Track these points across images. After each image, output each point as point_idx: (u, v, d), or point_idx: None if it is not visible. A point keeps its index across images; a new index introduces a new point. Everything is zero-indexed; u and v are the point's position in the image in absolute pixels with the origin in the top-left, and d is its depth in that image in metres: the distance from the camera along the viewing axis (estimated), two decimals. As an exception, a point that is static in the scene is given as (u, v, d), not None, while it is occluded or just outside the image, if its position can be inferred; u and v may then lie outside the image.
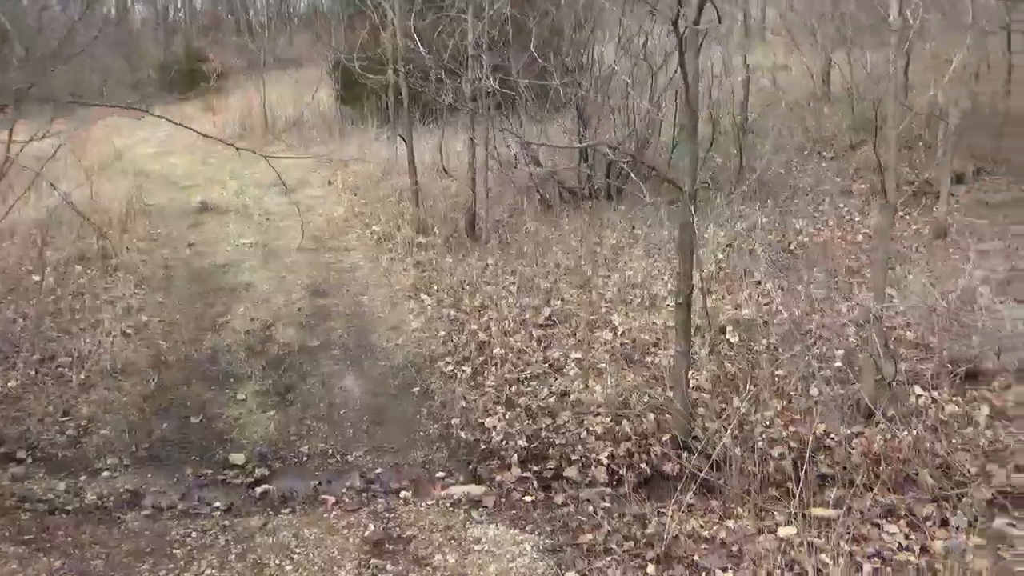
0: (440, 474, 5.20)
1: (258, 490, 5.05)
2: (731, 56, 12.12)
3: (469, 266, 8.53)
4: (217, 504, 4.87)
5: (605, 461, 5.15)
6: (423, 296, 7.89)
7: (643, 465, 5.13)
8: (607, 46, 11.00)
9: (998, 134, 11.03)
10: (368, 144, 13.96)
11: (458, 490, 4.86)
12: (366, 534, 4.35)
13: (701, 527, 4.22)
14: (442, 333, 7.08)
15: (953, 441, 5.08)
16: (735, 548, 3.98)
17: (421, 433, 5.72)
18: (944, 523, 4.34)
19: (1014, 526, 4.27)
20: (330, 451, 5.55)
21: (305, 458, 5.49)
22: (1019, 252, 7.98)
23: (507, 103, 10.25)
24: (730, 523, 4.21)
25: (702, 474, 4.54)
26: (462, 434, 5.60)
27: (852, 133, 12.05)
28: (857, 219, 9.57)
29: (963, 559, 3.90)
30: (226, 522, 4.56)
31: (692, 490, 4.44)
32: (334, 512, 4.66)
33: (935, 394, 5.54)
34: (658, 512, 4.38)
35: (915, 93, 10.86)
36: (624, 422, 5.50)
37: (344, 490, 5.00)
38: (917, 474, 4.76)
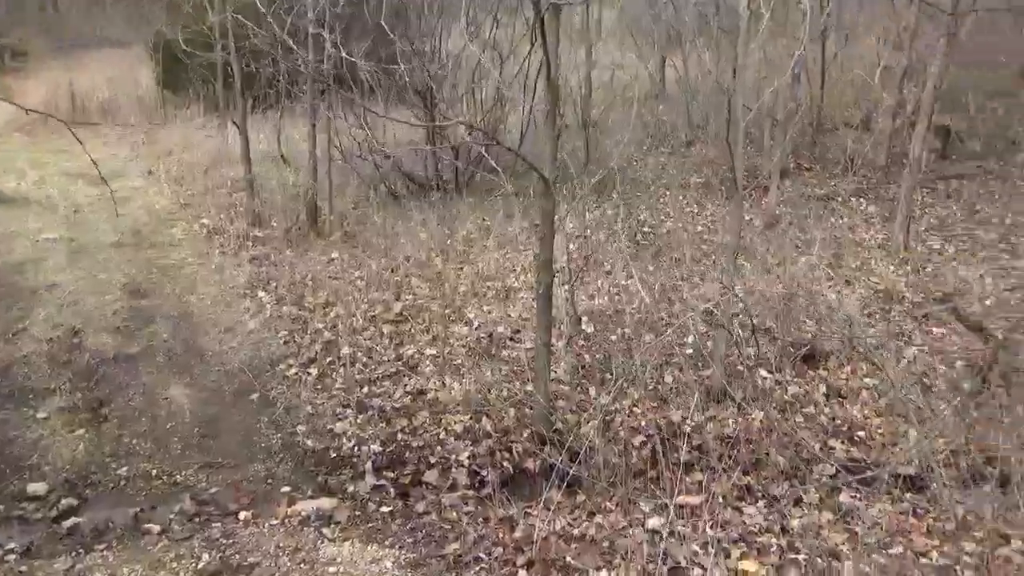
0: (285, 489, 4.69)
1: (65, 524, 4.30)
2: (574, 51, 12.25)
3: (312, 261, 7.96)
4: (12, 546, 4.09)
5: (466, 462, 4.88)
6: (260, 294, 7.25)
7: (506, 463, 4.92)
8: (454, 32, 10.74)
9: (814, 132, 11.96)
10: (193, 132, 12.85)
11: (306, 506, 4.39)
12: (200, 566, 3.80)
13: (570, 524, 4.05)
14: (283, 333, 6.52)
15: (798, 420, 5.28)
16: (606, 544, 3.84)
17: (262, 444, 5.17)
18: (798, 501, 4.45)
19: (858, 499, 4.46)
20: (154, 472, 4.86)
21: (124, 482, 4.77)
22: (839, 240, 8.60)
23: (350, 88, 9.71)
24: (599, 518, 4.08)
25: (567, 469, 4.38)
26: (309, 442, 5.12)
27: (688, 130, 12.58)
28: (696, 211, 9.95)
29: (819, 535, 4.00)
30: (23, 567, 3.83)
31: (558, 486, 4.28)
32: (160, 543, 4.05)
33: (779, 376, 5.75)
34: (525, 513, 4.18)
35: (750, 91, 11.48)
36: (484, 419, 5.26)
37: (172, 516, 4.37)
38: (768, 455, 4.88)
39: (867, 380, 5.78)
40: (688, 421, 5.25)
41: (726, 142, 4.74)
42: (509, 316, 6.67)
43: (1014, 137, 11.72)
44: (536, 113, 8.76)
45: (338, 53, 5.97)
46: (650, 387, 5.66)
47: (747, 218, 9.72)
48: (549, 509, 4.08)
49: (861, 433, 5.19)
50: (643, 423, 5.22)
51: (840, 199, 10.26)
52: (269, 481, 4.80)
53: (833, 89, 12.30)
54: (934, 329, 6.58)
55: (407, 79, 9.15)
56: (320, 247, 8.38)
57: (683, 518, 4.00)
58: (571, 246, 8.07)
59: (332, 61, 7.98)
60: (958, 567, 3.68)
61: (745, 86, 5.37)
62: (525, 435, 5.07)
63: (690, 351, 6.13)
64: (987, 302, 7.30)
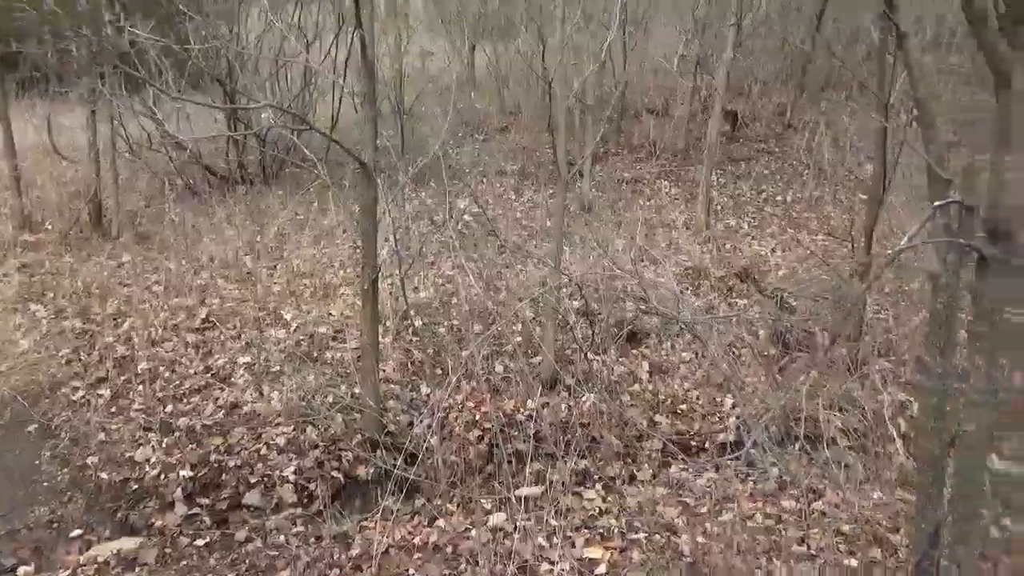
0: (76, 532, 4.05)
1: None
2: (382, 38, 11.86)
3: (98, 266, 7.06)
4: None
5: (291, 478, 4.49)
6: (34, 307, 6.30)
7: (336, 474, 4.59)
8: (254, 14, 9.98)
9: (619, 119, 12.46)
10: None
11: (104, 549, 3.80)
12: (-34, 641, 3.16)
13: (411, 533, 3.82)
14: (66, 351, 5.69)
15: (625, 400, 5.40)
16: (450, 550, 3.66)
17: (45, 483, 4.45)
18: (632, 479, 4.53)
19: (687, 471, 4.62)
20: (-98, 532, 4.03)
21: None
22: (650, 222, 8.99)
23: (136, 71, 8.71)
24: (441, 522, 3.89)
25: (402, 472, 4.14)
26: (104, 475, 4.48)
27: (501, 116, 12.64)
28: (514, 197, 10.01)
29: (655, 511, 4.08)
30: None
31: (395, 493, 4.03)
32: (-89, 619, 3.34)
33: (605, 358, 5.86)
34: (361, 527, 3.89)
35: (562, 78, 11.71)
36: (309, 429, 4.88)
37: (-72, 583, 3.63)
38: (602, 436, 4.94)
39: (684, 354, 6.04)
40: (522, 410, 5.21)
41: (548, 128, 4.67)
42: (330, 315, 6.28)
43: (790, 121, 12.92)
44: (349, 99, 8.33)
45: (118, 32, 5.26)
46: (483, 379, 5.55)
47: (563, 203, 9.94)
48: (387, 519, 3.83)
49: (683, 407, 5.40)
50: (478, 417, 5.09)
51: (647, 182, 10.77)
52: (55, 525, 4.12)
53: (635, 77, 12.87)
54: (739, 301, 7.03)
55: (203, 63, 8.36)
56: (107, 250, 7.46)
57: (526, 511, 3.91)
58: (393, 237, 7.81)
59: (111, 40, 7.09)
60: (780, 526, 3.89)
61: (562, 74, 5.37)
62: (355, 441, 4.76)
63: (519, 339, 6.09)
64: (780, 273, 7.94)
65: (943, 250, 1.92)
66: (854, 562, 3.44)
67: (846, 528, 3.69)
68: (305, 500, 4.34)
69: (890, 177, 5.35)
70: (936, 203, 1.74)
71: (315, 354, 5.75)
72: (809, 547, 3.62)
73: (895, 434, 4.60)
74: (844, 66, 12.21)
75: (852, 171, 10.70)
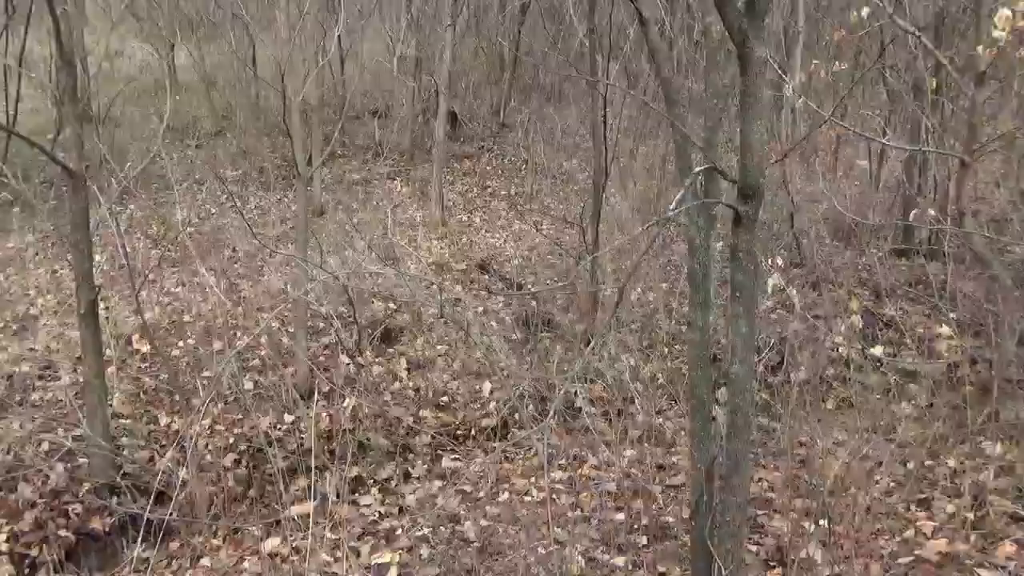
0: None
1: None
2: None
3: None
4: None
5: (4, 548, 3.74)
6: None
7: (64, 532, 3.91)
8: None
9: (342, 120, 12.23)
10: None
11: None
12: None
13: (172, 580, 3.39)
14: None
15: (387, 399, 5.32)
16: (223, 588, 3.31)
17: None
18: (407, 477, 4.48)
19: (459, 460, 4.68)
20: None
21: None
22: (387, 221, 8.93)
23: None
24: (206, 560, 3.50)
25: (152, 515, 3.66)
26: None
27: (213, 119, 11.76)
28: (239, 204, 9.36)
29: (435, 504, 4.06)
30: None
31: (145, 540, 3.55)
32: None
33: (362, 360, 5.71)
34: (108, 586, 3.37)
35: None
36: (21, 486, 4.10)
37: None
38: (369, 439, 4.81)
39: (439, 347, 6.11)
40: (280, 426, 4.89)
41: (284, 127, 4.42)
42: (33, 351, 5.35)
43: (505, 120, 13.68)
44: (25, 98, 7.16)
45: None
46: (230, 399, 5.11)
47: (293, 207, 9.52)
48: (140, 571, 3.36)
49: (445, 398, 5.45)
50: (232, 439, 4.67)
51: (377, 183, 10.71)
52: None
53: (354, 79, 12.72)
54: (482, 292, 7.28)
55: None
56: None
57: (303, 530, 3.67)
58: (102, 255, 6.89)
59: None
60: (553, 496, 4.09)
61: (286, 72, 5.08)
62: (86, 489, 4.10)
63: (264, 352, 5.71)
64: (515, 262, 8.38)
65: (694, 214, 2.13)
66: (621, 516, 3.73)
67: (611, 487, 3.98)
68: (27, 571, 3.65)
69: (610, 164, 5.89)
70: (696, 169, 1.93)
71: (18, 398, 4.86)
72: (582, 510, 3.85)
73: (635, 396, 5.09)
74: (544, 66, 13.24)
75: (563, 165, 11.65)
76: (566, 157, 11.86)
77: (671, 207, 1.82)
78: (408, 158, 11.79)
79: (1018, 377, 4.34)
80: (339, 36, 11.73)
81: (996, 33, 3.76)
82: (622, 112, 8.00)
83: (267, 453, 4.41)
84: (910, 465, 3.66)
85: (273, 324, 5.91)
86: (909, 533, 3.02)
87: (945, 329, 4.12)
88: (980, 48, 4.03)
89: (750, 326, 1.88)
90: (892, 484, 3.47)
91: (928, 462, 3.71)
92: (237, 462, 4.49)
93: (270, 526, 3.79)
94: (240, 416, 4.97)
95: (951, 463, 3.60)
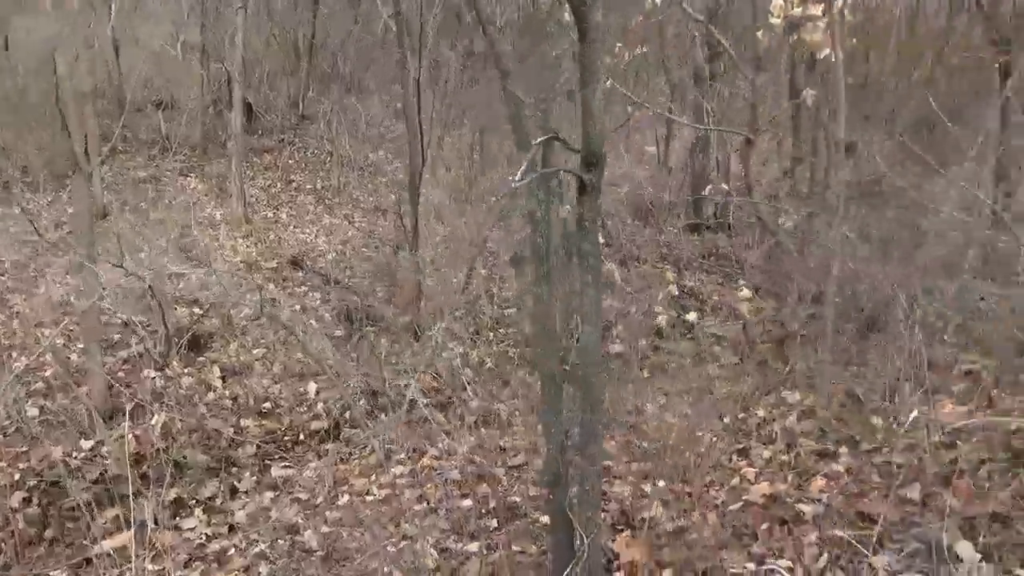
0: None
1: None
2: None
3: None
4: None
5: None
6: None
7: None
8: None
9: (121, 112, 11.08)
10: None
11: None
12: None
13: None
14: None
15: (203, 412, 4.89)
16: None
17: None
18: (234, 492, 4.16)
19: (289, 468, 4.41)
20: None
21: None
22: (184, 220, 8.23)
23: None
24: (1, 619, 3.01)
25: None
26: None
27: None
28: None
29: (268, 517, 3.80)
30: None
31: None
32: None
33: (169, 372, 5.21)
34: None
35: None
36: None
37: None
38: (186, 457, 4.40)
39: (256, 351, 5.74)
40: (77, 454, 4.34)
41: (60, 114, 3.87)
42: None
43: (305, 112, 13.10)
44: None
45: None
46: (11, 430, 4.45)
47: (69, 210, 8.48)
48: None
49: (268, 404, 5.12)
50: (17, 476, 4.07)
51: (167, 180, 9.84)
52: None
53: (133, 67, 11.55)
54: (298, 288, 6.94)
55: None
56: None
57: (117, 565, 3.27)
58: None
59: None
60: (396, 491, 3.97)
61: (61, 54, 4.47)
62: None
63: (47, 373, 5.05)
64: (329, 257, 8.08)
65: (534, 187, 2.12)
66: (468, 502, 3.69)
67: (455, 475, 3.93)
68: None
69: (427, 150, 5.81)
70: (537, 140, 1.91)
71: None
72: (428, 502, 3.77)
73: (465, 383, 5.09)
74: (343, 53, 12.85)
75: (369, 156, 11.38)
76: (372, 148, 11.61)
77: (516, 179, 1.78)
78: (201, 152, 10.94)
79: (803, 332, 4.86)
80: (111, 15, 10.64)
81: (772, 20, 4.14)
82: (434, 100, 7.94)
83: (64, 486, 3.89)
84: (726, 419, 3.96)
85: (58, 340, 5.22)
86: (735, 481, 3.26)
87: (745, 292, 4.50)
88: (759, 34, 4.42)
89: (597, 293, 1.91)
90: (713, 439, 3.72)
91: (741, 415, 4.03)
92: (27, 500, 3.92)
93: (78, 566, 3.35)
94: (25, 448, 4.34)
95: (761, 413, 3.95)
